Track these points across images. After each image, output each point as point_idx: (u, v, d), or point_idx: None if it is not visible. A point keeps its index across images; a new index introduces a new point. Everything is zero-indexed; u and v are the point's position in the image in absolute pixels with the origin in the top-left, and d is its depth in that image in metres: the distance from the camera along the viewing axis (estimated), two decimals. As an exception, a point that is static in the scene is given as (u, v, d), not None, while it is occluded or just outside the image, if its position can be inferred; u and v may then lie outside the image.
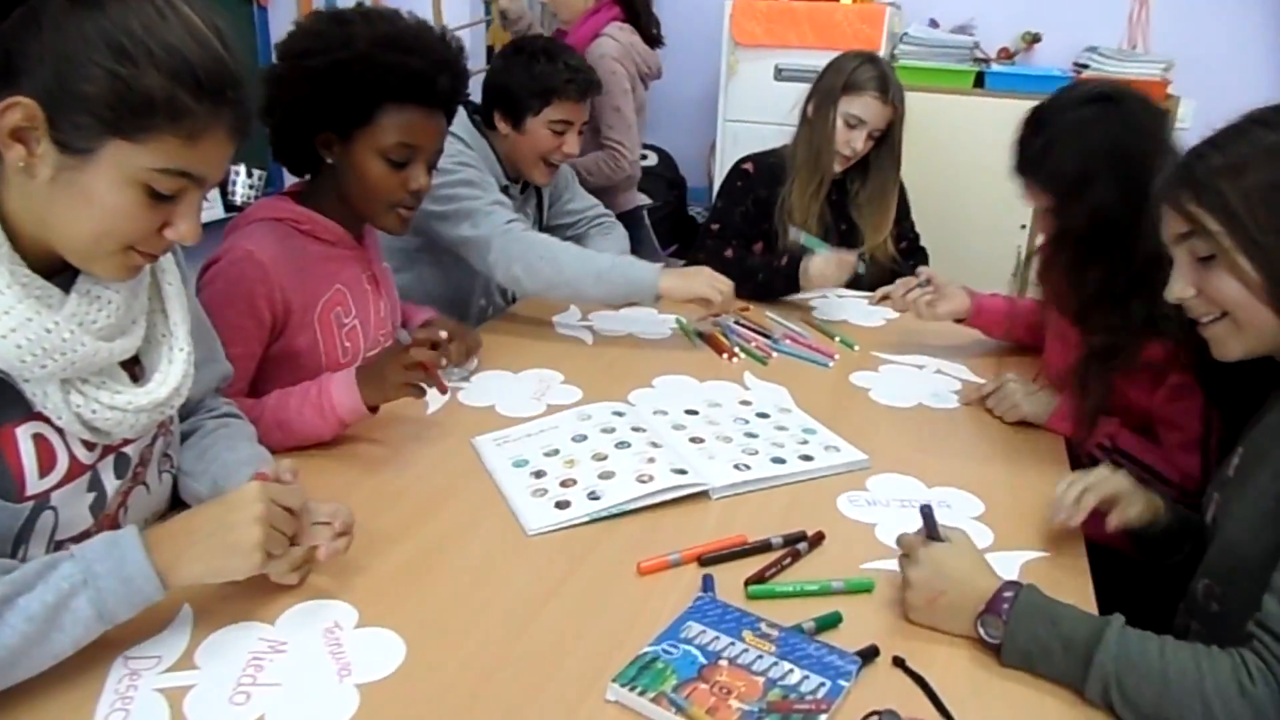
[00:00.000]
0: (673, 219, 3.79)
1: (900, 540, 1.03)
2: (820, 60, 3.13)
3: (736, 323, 1.91)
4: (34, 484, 0.89)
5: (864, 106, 2.03)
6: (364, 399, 1.25)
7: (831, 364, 1.73)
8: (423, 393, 1.26)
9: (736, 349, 1.76)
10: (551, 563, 1.06)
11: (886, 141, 2.12)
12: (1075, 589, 1.06)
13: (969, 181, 3.33)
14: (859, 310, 2.03)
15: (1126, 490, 1.11)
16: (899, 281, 1.88)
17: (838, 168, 2.11)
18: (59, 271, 0.88)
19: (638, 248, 3.54)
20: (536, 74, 1.81)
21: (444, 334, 1.33)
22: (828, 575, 1.05)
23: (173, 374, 0.98)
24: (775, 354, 1.77)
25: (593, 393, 1.53)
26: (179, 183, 0.84)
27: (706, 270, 1.73)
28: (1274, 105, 1.00)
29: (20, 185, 0.82)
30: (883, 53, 3.16)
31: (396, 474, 1.26)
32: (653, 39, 2.85)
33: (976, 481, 1.29)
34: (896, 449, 1.38)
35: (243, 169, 2.60)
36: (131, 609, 0.84)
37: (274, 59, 1.35)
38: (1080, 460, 1.45)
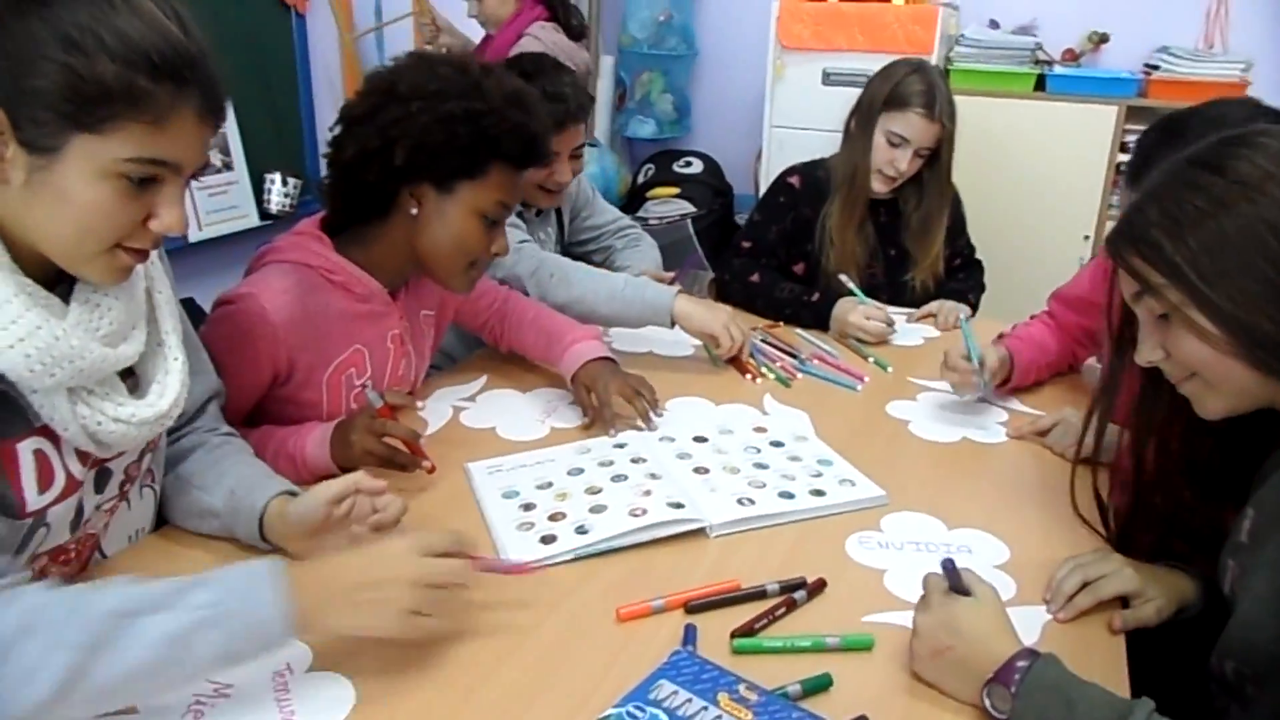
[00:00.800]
0: (719, 227, 3.71)
1: (925, 580, 0.93)
2: (870, 64, 3.03)
3: (763, 340, 1.82)
4: (34, 501, 0.88)
5: (907, 124, 1.88)
6: (334, 458, 1.20)
7: (860, 387, 1.63)
8: (400, 466, 1.20)
9: (762, 369, 1.67)
10: (526, 605, 0.99)
11: (937, 161, 1.96)
12: (1105, 654, 0.95)
13: (1029, 189, 3.18)
14: (898, 327, 1.91)
15: (1136, 589, 0.99)
16: (938, 304, 1.78)
17: (882, 188, 1.96)
18: (57, 282, 0.87)
19: (676, 254, 3.49)
20: None
21: (421, 404, 1.28)
22: (826, 628, 0.96)
23: (170, 384, 0.97)
24: (801, 375, 1.68)
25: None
26: (153, 171, 0.82)
27: (728, 309, 1.66)
28: (1214, 140, 0.89)
29: (2, 196, 0.81)
30: (936, 55, 3.03)
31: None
32: (574, 32, 2.80)
33: (1004, 525, 1.18)
34: (919, 485, 1.28)
35: (278, 176, 2.60)
36: (260, 652, 0.81)
37: (381, 95, 1.23)
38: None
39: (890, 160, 1.92)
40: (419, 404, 1.46)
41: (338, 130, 1.26)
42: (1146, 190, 0.91)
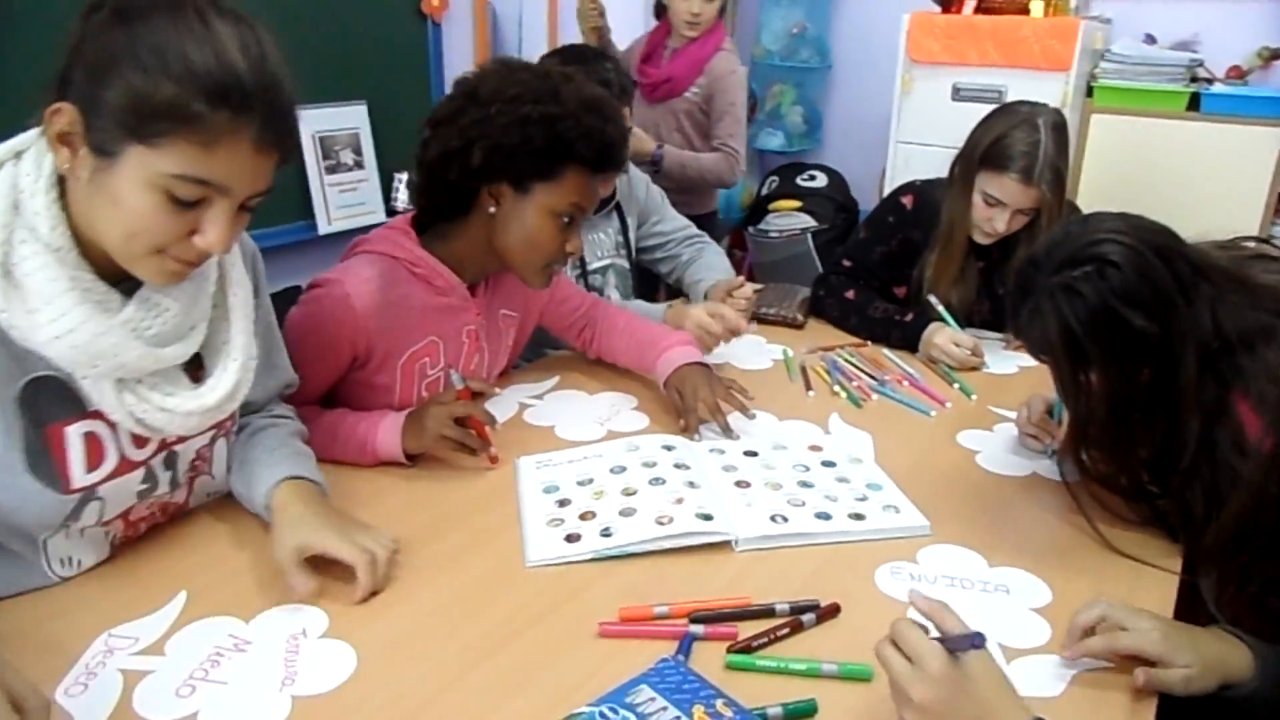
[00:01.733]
0: (839, 242, 3.64)
1: (899, 633, 0.82)
2: (1003, 79, 2.96)
3: (846, 359, 1.78)
4: (80, 478, 0.95)
5: (1002, 188, 1.72)
6: (406, 445, 1.27)
7: (934, 413, 1.57)
8: (470, 450, 1.28)
9: (835, 387, 1.65)
10: (538, 596, 1.02)
11: (1039, 222, 1.77)
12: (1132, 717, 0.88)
13: (1179, 216, 2.93)
14: (992, 353, 1.83)
15: (1159, 654, 0.90)
16: None
17: (985, 241, 1.83)
18: (127, 277, 0.93)
19: (795, 268, 3.45)
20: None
21: (497, 390, 1.32)
22: (832, 655, 0.94)
23: (224, 382, 1.02)
24: (875, 396, 1.63)
25: (659, 422, 1.48)
26: (198, 190, 0.86)
27: (695, 312, 1.68)
28: None
29: (73, 191, 0.88)
30: (1077, 72, 2.87)
31: (433, 483, 1.27)
32: None
33: (1051, 566, 1.12)
34: (969, 518, 1.22)
35: (406, 176, 2.75)
36: None
37: (464, 98, 1.30)
38: None
39: (988, 219, 1.77)
40: (496, 390, 1.51)
41: (426, 133, 1.34)
42: None
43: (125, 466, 0.99)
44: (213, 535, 1.12)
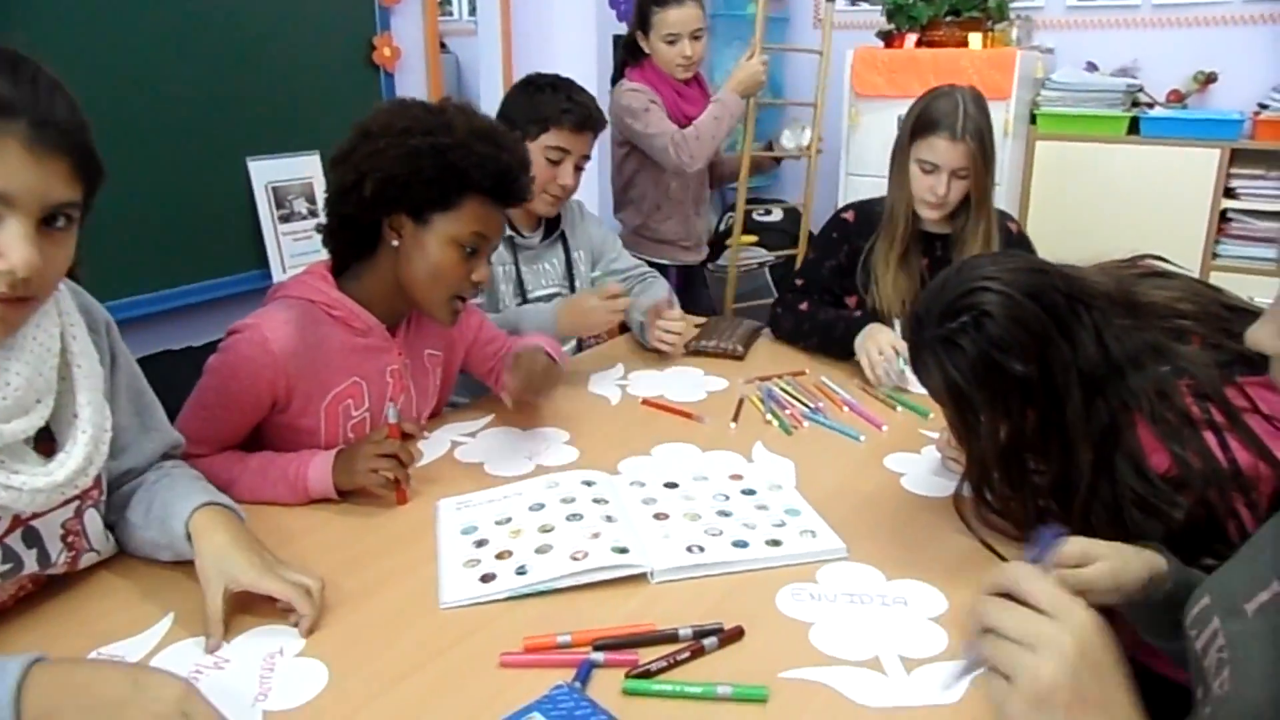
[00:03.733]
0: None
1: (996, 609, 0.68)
2: (947, 110, 3.00)
3: (781, 388, 1.81)
4: None
5: (933, 149, 1.83)
6: (336, 482, 1.29)
7: (864, 438, 1.59)
8: (395, 485, 1.30)
9: (768, 415, 1.67)
10: (445, 629, 1.03)
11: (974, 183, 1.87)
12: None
13: (1123, 237, 3.00)
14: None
15: (1085, 550, 0.91)
16: None
17: (932, 214, 1.90)
18: None
19: (755, 301, 3.48)
20: (537, 102, 1.84)
21: (426, 435, 1.38)
22: (738, 679, 0.94)
23: (74, 456, 0.99)
24: (807, 424, 1.65)
25: (589, 456, 1.49)
26: None
27: (592, 299, 1.82)
28: None
29: None
30: (1015, 100, 2.94)
31: (357, 520, 1.28)
32: None
33: (949, 577, 1.14)
34: (885, 537, 1.24)
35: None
36: None
37: (358, 135, 1.33)
38: None
39: (929, 187, 1.86)
40: (426, 435, 1.53)
41: (329, 174, 1.37)
42: None
43: None
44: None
